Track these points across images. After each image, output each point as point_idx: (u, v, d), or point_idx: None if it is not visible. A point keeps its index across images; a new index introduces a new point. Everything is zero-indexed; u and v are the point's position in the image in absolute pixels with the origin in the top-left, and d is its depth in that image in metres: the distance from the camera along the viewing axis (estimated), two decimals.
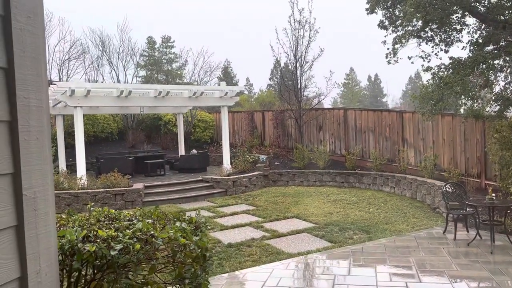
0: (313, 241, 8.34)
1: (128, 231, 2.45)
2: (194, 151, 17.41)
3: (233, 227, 9.56)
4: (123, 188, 12.40)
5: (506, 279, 5.84)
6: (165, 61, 47.70)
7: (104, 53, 23.15)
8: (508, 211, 8.15)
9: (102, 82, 23.07)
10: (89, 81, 22.34)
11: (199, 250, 2.57)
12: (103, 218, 2.84)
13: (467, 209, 8.17)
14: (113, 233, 2.37)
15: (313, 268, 6.84)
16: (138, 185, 12.88)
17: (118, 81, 22.20)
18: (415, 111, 11.84)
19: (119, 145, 21.11)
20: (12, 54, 1.75)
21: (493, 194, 7.58)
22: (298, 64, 17.23)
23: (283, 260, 7.10)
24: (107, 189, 12.32)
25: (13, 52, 1.76)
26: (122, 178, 12.97)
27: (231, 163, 15.97)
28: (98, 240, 2.32)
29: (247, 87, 57.68)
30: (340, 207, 11.27)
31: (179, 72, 41.35)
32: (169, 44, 49.37)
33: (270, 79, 56.03)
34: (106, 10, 78.95)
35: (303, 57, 17.10)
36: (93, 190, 12.26)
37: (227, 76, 51.07)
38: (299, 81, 17.29)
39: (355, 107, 22.15)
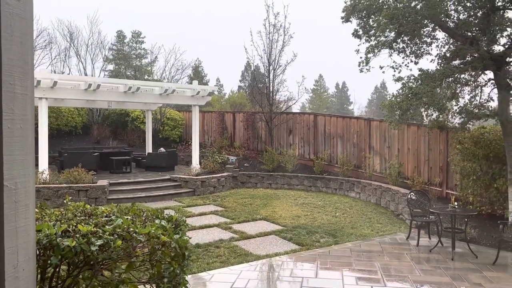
0: (281, 243, 8.39)
1: (108, 227, 2.38)
2: (162, 149, 17.15)
3: (201, 227, 9.48)
4: (87, 185, 12.04)
5: (466, 285, 6.09)
6: (134, 56, 46.77)
7: (72, 45, 22.46)
8: (468, 220, 8.51)
9: (68, 74, 22.33)
10: (55, 73, 21.57)
11: (179, 248, 2.53)
12: (79, 214, 2.74)
13: (430, 216, 8.46)
14: (93, 229, 2.29)
15: (280, 270, 6.87)
16: (103, 182, 12.53)
17: (86, 74, 21.57)
18: (382, 119, 12.18)
19: (82, 140, 20.48)
20: (0, 38, 1.67)
21: (456, 203, 7.89)
22: (271, 68, 17.33)
23: (252, 262, 7.10)
24: (70, 185, 11.92)
25: (1, 36, 1.67)
26: (86, 174, 12.59)
27: (200, 163, 15.84)
28: (78, 235, 2.24)
29: (217, 88, 57.41)
30: (308, 211, 11.41)
31: (148, 69, 40.65)
32: (139, 39, 48.46)
33: (240, 80, 56.14)
34: (76, 1, 76.59)
35: (276, 60, 17.24)
36: (56, 185, 11.82)
37: (198, 75, 50.63)
38: (271, 84, 17.40)
39: (325, 113, 22.52)
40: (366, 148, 14.15)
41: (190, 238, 2.78)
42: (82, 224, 2.40)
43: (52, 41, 22.75)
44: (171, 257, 2.54)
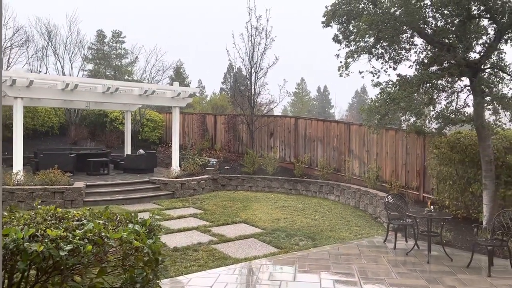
0: (260, 246, 8.37)
1: (78, 231, 2.31)
2: (141, 151, 16.93)
3: (180, 230, 9.38)
4: (63, 186, 11.78)
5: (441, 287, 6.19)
6: (114, 56, 46.15)
7: (50, 44, 22.01)
8: (444, 223, 8.67)
9: (46, 73, 21.87)
10: (32, 72, 21.10)
11: (152, 254, 2.48)
12: (49, 217, 2.66)
13: (407, 220, 8.58)
14: (62, 233, 2.22)
15: (259, 273, 6.85)
16: (79, 184, 12.29)
17: (63, 74, 21.15)
18: (361, 123, 12.32)
19: (59, 141, 20.07)
20: None
21: (432, 207, 8.02)
22: (253, 70, 17.35)
23: (230, 266, 7.06)
24: (46, 187, 11.65)
25: None
26: (63, 175, 12.33)
27: (180, 165, 15.70)
28: (46, 240, 2.16)
29: (199, 89, 57.15)
30: (288, 214, 11.43)
31: (128, 69, 40.17)
32: (120, 39, 47.87)
33: (223, 83, 55.99)
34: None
35: (258, 63, 17.26)
36: (30, 187, 11.54)
37: (179, 77, 50.28)
38: (253, 87, 17.40)
39: (306, 117, 22.66)
40: (346, 151, 14.28)
41: (164, 243, 2.72)
42: (52, 228, 2.33)
43: (29, 39, 22.27)
44: (144, 262, 2.49)
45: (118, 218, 2.86)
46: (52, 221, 2.60)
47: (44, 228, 2.28)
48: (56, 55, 21.67)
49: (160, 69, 23.08)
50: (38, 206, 2.94)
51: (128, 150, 18.25)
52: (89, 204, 11.71)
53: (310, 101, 79.01)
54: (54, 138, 20.39)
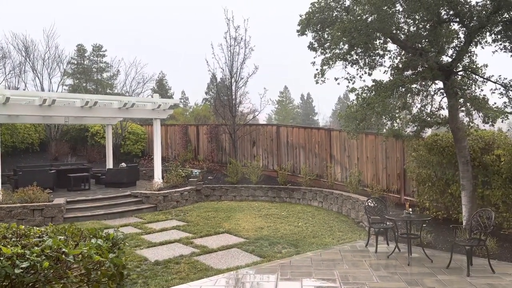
0: (243, 256, 8.33)
1: (36, 248, 2.27)
2: (123, 164, 16.76)
3: (162, 243, 9.28)
4: (42, 203, 11.57)
5: None
6: (95, 70, 45.81)
7: (28, 59, 21.72)
8: (424, 225, 8.76)
9: (24, 89, 21.57)
10: (10, 88, 20.79)
11: (115, 268, 2.45)
12: (10, 235, 2.60)
13: (387, 223, 8.65)
14: (19, 251, 2.17)
15: (241, 283, 6.80)
16: (59, 200, 12.09)
17: (42, 89, 20.89)
18: (341, 129, 12.42)
19: (40, 157, 19.75)
20: None
21: (410, 209, 8.10)
22: (233, 80, 17.41)
23: (212, 277, 7.00)
24: (24, 204, 11.43)
25: None
26: (42, 192, 12.11)
27: (163, 177, 15.58)
28: (2, 258, 2.11)
29: (182, 100, 57.00)
30: (271, 222, 11.41)
31: (110, 82, 39.89)
32: (101, 53, 47.58)
33: (206, 93, 55.97)
34: (32, 15, 74.54)
35: (238, 73, 17.34)
36: (9, 205, 11.30)
37: (162, 89, 50.15)
38: (234, 97, 17.45)
39: (287, 124, 22.77)
40: (327, 157, 14.37)
41: (128, 259, 2.67)
42: (8, 246, 2.28)
43: (5, 55, 21.96)
44: (109, 276, 2.46)
45: (83, 233, 2.82)
46: (13, 239, 2.55)
47: (0, 246, 2.23)
48: (34, 70, 21.40)
49: (140, 81, 22.98)
50: None
51: (110, 164, 18.05)
52: (69, 220, 11.51)
53: (294, 108, 79.48)
54: (34, 154, 20.05)
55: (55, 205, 11.65)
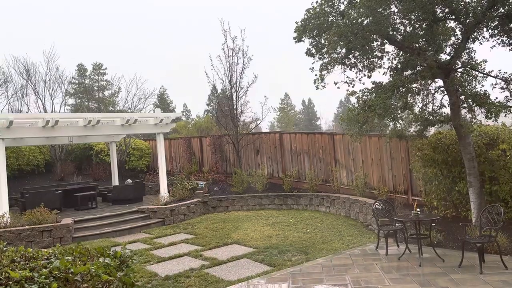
0: (253, 266, 8.29)
1: (45, 270, 2.27)
2: (129, 180, 16.79)
3: (171, 258, 9.25)
4: (51, 224, 11.58)
5: None
6: (96, 88, 46.15)
7: (29, 82, 21.93)
8: (433, 224, 8.69)
9: (27, 112, 21.74)
10: (12, 112, 20.97)
11: (124, 286, 2.44)
12: (18, 258, 2.61)
13: (396, 224, 8.59)
14: (27, 274, 2.18)
15: None
16: (67, 220, 12.10)
17: (45, 111, 21.04)
18: (344, 133, 12.42)
19: (46, 178, 19.84)
20: None
21: (418, 209, 8.04)
22: (233, 90, 17.48)
23: None
24: (33, 226, 11.44)
25: None
26: (50, 213, 12.13)
27: (169, 191, 15.59)
28: (11, 283, 2.12)
29: (184, 113, 57.23)
30: (279, 230, 11.36)
31: (111, 100, 40.13)
32: (101, 71, 47.97)
33: (208, 104, 56.12)
34: (31, 38, 75.38)
35: (238, 83, 17.41)
36: (17, 228, 11.32)
37: (163, 103, 50.41)
38: (235, 107, 17.50)
39: (290, 131, 22.78)
40: (332, 162, 14.34)
41: (138, 275, 2.65)
42: (17, 270, 2.29)
43: (7, 79, 22.18)
44: None
45: (90, 253, 2.82)
46: (21, 262, 2.55)
47: (8, 271, 2.24)
48: (36, 93, 21.60)
49: (142, 97, 23.12)
50: (4, 248, 2.88)
51: (115, 181, 18.09)
52: (78, 240, 11.50)
53: (296, 115, 79.59)
54: (40, 176, 20.15)
55: (63, 225, 11.67)
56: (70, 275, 2.26)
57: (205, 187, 16.08)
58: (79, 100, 42.13)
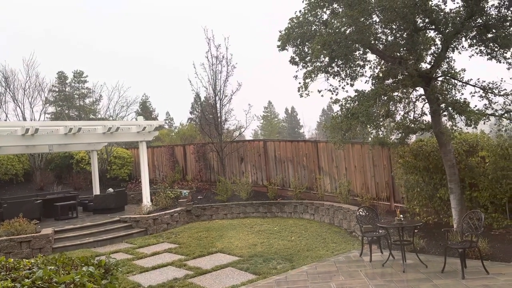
0: (237, 275, 8.23)
1: (27, 280, 2.20)
2: (111, 189, 16.53)
3: (154, 268, 9.12)
4: (30, 235, 11.30)
5: None
6: (77, 96, 45.49)
7: (8, 89, 21.48)
8: (416, 230, 8.79)
9: (5, 120, 21.27)
10: None
11: None
12: None
13: (380, 231, 8.66)
14: (9, 284, 2.11)
15: None
16: (47, 230, 11.83)
17: (24, 119, 20.61)
18: (328, 140, 12.52)
19: (25, 188, 19.37)
20: None
21: (401, 215, 8.13)
22: (217, 98, 17.46)
23: None
24: (11, 237, 11.15)
25: None
26: (29, 223, 11.84)
27: (152, 200, 15.40)
28: None
29: (167, 121, 56.81)
30: (264, 238, 11.33)
31: (93, 108, 39.62)
32: (82, 78, 47.33)
33: (191, 112, 55.86)
34: (10, 45, 74.07)
35: (222, 91, 17.41)
36: None
37: (146, 111, 49.97)
38: (219, 115, 17.47)
39: (274, 139, 22.84)
40: (316, 169, 14.41)
41: (121, 285, 2.61)
42: None
43: None
44: None
45: (74, 262, 2.75)
46: (2, 273, 2.47)
47: None
48: (15, 100, 21.15)
49: (124, 105, 22.89)
50: None
51: (96, 190, 17.79)
52: (58, 250, 11.23)
53: (280, 123, 79.89)
54: (19, 185, 19.67)
55: (43, 235, 11.39)
56: (54, 284, 2.20)
57: (189, 195, 15.95)
58: (59, 108, 41.43)
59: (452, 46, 9.17)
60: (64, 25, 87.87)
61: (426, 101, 9.35)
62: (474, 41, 8.89)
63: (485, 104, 8.80)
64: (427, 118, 9.60)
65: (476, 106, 8.79)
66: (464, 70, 9.23)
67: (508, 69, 8.61)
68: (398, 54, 9.25)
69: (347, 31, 8.82)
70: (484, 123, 8.83)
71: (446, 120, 9.32)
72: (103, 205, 15.37)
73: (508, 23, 8.43)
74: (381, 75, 9.57)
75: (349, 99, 8.99)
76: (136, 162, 20.93)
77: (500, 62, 8.69)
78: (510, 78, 8.26)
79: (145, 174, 15.41)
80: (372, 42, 9.22)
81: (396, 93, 9.37)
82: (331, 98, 9.10)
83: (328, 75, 9.24)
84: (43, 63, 37.40)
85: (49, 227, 12.61)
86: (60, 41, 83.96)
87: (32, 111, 21.35)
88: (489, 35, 8.62)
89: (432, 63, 9.33)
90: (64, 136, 13.51)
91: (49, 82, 35.71)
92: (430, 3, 8.63)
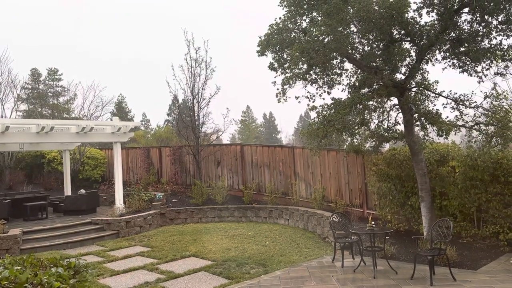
0: (210, 279, 8.18)
1: None
2: (82, 190, 16.18)
3: (125, 271, 8.96)
4: None
5: None
6: (51, 94, 44.40)
7: None
8: (387, 237, 8.96)
9: None
10: None
11: None
12: None
13: (352, 237, 8.78)
14: None
15: None
16: (15, 231, 11.47)
17: None
18: (304, 146, 12.65)
19: None
20: None
21: (373, 222, 8.28)
22: (195, 101, 17.39)
23: None
24: None
25: None
26: None
27: (125, 202, 15.15)
28: None
29: (143, 123, 56.11)
30: (238, 242, 11.31)
31: (66, 107, 38.75)
32: (56, 76, 46.25)
33: (168, 114, 55.38)
34: None
35: (200, 94, 17.35)
36: None
37: (122, 111, 49.22)
38: (196, 117, 17.40)
39: (251, 143, 22.87)
40: (292, 175, 14.51)
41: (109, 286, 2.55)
42: None
43: None
44: None
45: (42, 263, 2.69)
46: None
47: None
48: None
49: (99, 104, 22.50)
50: None
51: (68, 191, 17.38)
52: (26, 251, 10.90)
53: (257, 127, 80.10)
54: None
55: (10, 236, 11.04)
56: (19, 284, 2.14)
57: (163, 198, 15.78)
58: (32, 106, 40.34)
59: (426, 58, 9.44)
60: (39, 22, 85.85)
61: (400, 111, 9.56)
62: (447, 54, 9.17)
63: (457, 116, 9.07)
64: (401, 127, 9.82)
65: (447, 117, 9.06)
66: (437, 81, 9.50)
67: (479, 82, 8.91)
68: (374, 64, 9.45)
69: (326, 40, 8.96)
70: (455, 134, 9.10)
71: (418, 130, 9.55)
72: (74, 207, 15.02)
73: (479, 38, 8.75)
74: (357, 84, 9.75)
75: (326, 106, 9.12)
76: (110, 163, 20.56)
77: (471, 75, 8.99)
78: (481, 91, 8.56)
79: (118, 175, 15.16)
80: (350, 51, 9.39)
81: (371, 102, 9.55)
82: (308, 105, 9.22)
83: (306, 82, 9.35)
84: (16, 59, 36.35)
85: (17, 227, 12.24)
86: (35, 39, 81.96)
87: (3, 108, 20.77)
88: (462, 49, 8.91)
89: (406, 74, 9.56)
90: (36, 135, 13.17)
91: (22, 79, 34.76)
92: (406, 15, 8.86)
